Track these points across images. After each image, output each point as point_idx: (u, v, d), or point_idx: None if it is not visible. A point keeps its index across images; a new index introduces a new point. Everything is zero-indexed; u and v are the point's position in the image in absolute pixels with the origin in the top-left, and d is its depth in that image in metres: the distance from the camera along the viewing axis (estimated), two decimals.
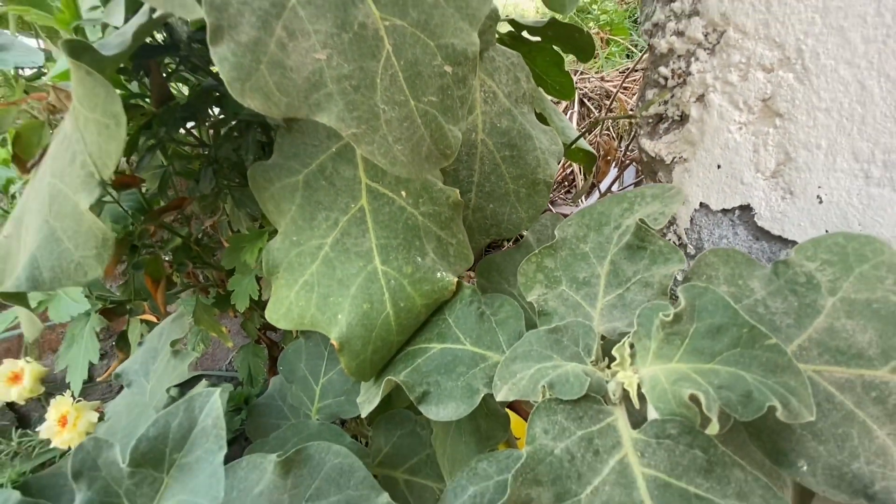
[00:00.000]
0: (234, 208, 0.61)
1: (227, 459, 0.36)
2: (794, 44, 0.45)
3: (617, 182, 1.12)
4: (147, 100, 0.56)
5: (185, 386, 0.64)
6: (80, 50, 0.34)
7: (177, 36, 0.50)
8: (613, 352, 0.34)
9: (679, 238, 0.60)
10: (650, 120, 0.61)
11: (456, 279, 0.48)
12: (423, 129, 0.32)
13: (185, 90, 0.65)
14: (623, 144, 1.17)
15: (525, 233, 0.61)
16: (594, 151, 0.84)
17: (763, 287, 0.37)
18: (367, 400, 0.47)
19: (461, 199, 0.47)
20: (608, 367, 0.35)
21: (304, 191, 0.47)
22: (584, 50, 0.70)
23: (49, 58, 0.59)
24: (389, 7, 0.29)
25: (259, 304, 0.67)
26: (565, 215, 0.50)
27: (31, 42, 0.64)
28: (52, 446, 0.60)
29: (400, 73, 0.30)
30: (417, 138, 0.32)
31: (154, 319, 0.74)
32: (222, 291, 0.74)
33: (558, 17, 0.70)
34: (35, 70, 0.60)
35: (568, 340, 0.36)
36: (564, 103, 1.40)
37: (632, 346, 0.34)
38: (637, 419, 0.32)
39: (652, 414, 0.31)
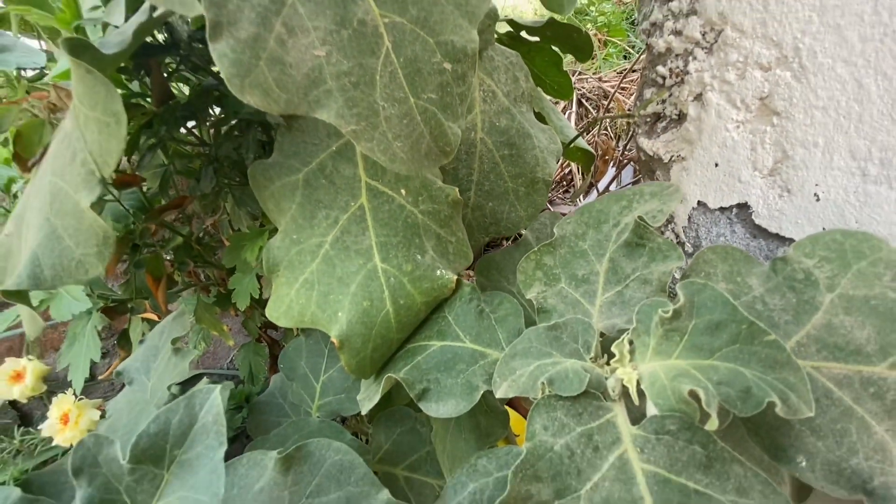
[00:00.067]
0: (235, 207, 0.60)
1: (229, 457, 0.36)
2: (792, 42, 0.45)
3: (615, 181, 1.11)
4: (148, 99, 0.56)
5: (187, 384, 0.64)
6: (80, 48, 0.34)
7: (177, 35, 0.49)
8: (613, 348, 0.34)
9: (677, 236, 0.60)
10: (648, 119, 0.61)
11: (455, 277, 0.48)
12: (422, 126, 0.31)
13: (186, 90, 0.65)
14: (621, 144, 1.16)
15: (524, 231, 0.61)
16: (592, 151, 0.84)
17: (761, 284, 0.37)
18: (368, 397, 0.46)
19: (460, 198, 0.47)
20: (607, 363, 0.35)
21: (304, 189, 0.46)
22: (583, 50, 0.70)
23: (51, 58, 0.59)
24: (389, 4, 0.29)
25: (260, 303, 0.67)
26: (564, 214, 0.49)
27: (33, 43, 0.64)
28: (54, 444, 0.60)
29: (399, 70, 0.30)
30: (417, 135, 0.31)
31: (155, 318, 0.73)
32: (223, 290, 0.73)
33: (557, 17, 0.70)
34: (37, 71, 0.60)
35: (567, 337, 0.36)
36: (563, 103, 1.40)
37: (631, 342, 0.34)
38: (636, 416, 0.32)
39: (651, 410, 0.31)
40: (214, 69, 0.55)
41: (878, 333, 0.32)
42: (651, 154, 0.59)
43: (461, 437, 0.49)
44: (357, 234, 0.46)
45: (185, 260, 0.68)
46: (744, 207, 0.52)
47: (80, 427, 0.58)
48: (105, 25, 0.50)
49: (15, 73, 0.61)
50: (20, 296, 0.42)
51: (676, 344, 0.31)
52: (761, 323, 0.29)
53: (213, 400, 0.33)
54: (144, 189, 0.62)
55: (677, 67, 0.54)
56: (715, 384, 0.28)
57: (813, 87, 0.45)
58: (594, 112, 1.37)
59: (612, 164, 1.08)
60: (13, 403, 1.00)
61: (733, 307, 0.30)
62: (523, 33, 0.69)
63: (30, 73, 0.62)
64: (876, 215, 0.45)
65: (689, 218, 0.58)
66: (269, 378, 0.84)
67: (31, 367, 0.61)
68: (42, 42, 0.66)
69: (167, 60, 0.56)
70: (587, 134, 1.22)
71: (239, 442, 0.91)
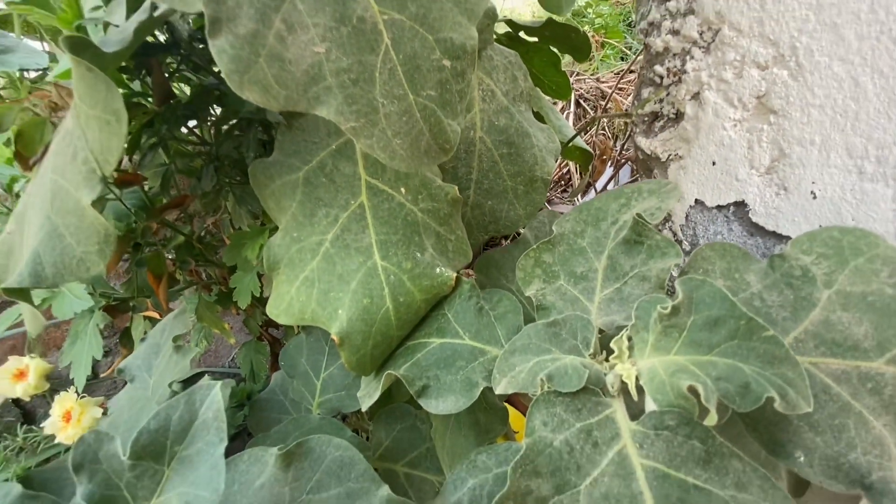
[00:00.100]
0: (236, 206, 0.60)
1: (230, 454, 0.36)
2: (789, 41, 0.45)
3: (613, 181, 1.11)
4: (149, 98, 0.55)
5: (188, 382, 0.64)
6: (81, 46, 0.34)
7: (178, 34, 0.49)
8: (612, 344, 0.34)
9: (674, 234, 0.60)
10: (646, 118, 0.60)
11: (455, 274, 0.47)
12: (421, 124, 0.31)
13: (187, 90, 0.65)
14: (619, 144, 1.16)
15: (522, 230, 0.61)
16: (590, 150, 0.83)
17: (759, 281, 0.37)
18: (368, 394, 0.46)
19: (459, 196, 0.47)
20: (606, 360, 0.35)
21: (304, 188, 0.46)
22: (581, 50, 0.70)
23: (53, 59, 0.59)
24: (388, 1, 0.29)
25: (261, 301, 0.66)
26: (562, 213, 0.49)
27: (36, 45, 0.63)
28: (56, 442, 0.59)
29: (399, 67, 0.29)
30: (416, 132, 0.31)
31: (157, 316, 0.73)
32: (225, 289, 0.73)
33: (555, 18, 0.70)
34: (40, 72, 0.59)
35: (566, 334, 0.36)
36: (561, 103, 1.39)
37: (630, 338, 0.34)
38: (635, 412, 0.32)
39: (650, 406, 0.31)
40: (215, 69, 0.55)
41: (876, 329, 0.32)
42: (649, 153, 0.59)
43: (461, 434, 0.49)
44: (357, 232, 0.46)
45: (187, 259, 0.67)
46: (741, 205, 0.52)
47: (82, 425, 0.58)
48: (106, 25, 0.50)
49: (18, 73, 0.61)
50: (22, 293, 0.42)
51: (675, 340, 0.31)
52: (759, 319, 0.29)
53: (214, 396, 0.33)
54: (146, 188, 0.62)
55: (675, 67, 0.53)
56: (714, 380, 0.28)
57: (810, 86, 0.45)
58: (592, 112, 1.37)
59: (609, 163, 1.07)
60: (16, 401, 1.00)
61: (732, 303, 0.29)
62: (522, 34, 0.69)
63: (33, 75, 0.62)
64: (872, 213, 0.44)
65: (687, 216, 0.57)
66: (270, 376, 0.83)
67: (33, 366, 0.61)
68: (44, 43, 0.66)
69: (168, 60, 0.56)
70: (585, 134, 1.22)
71: (240, 439, 0.90)
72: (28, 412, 1.01)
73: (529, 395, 0.34)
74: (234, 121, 0.57)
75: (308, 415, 0.56)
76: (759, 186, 0.50)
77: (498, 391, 0.35)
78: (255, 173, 0.47)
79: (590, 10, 2.02)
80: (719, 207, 0.54)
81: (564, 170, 1.29)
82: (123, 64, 0.53)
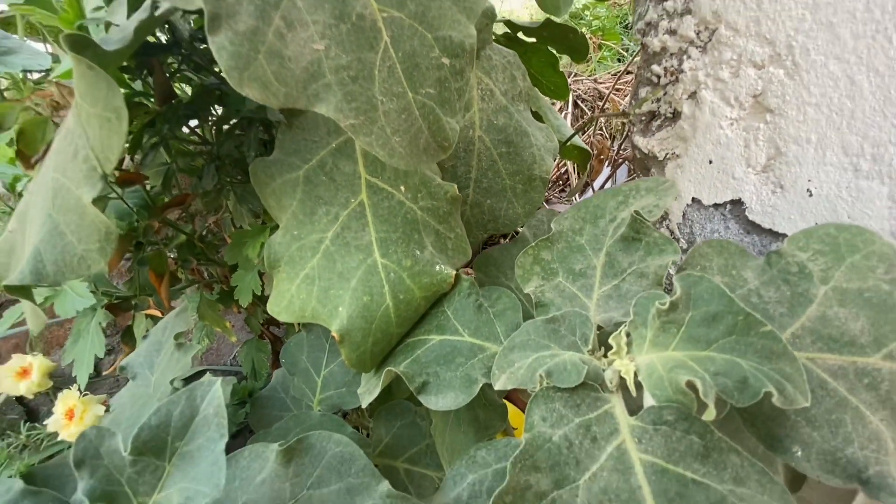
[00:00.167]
0: (237, 205, 0.60)
1: (232, 452, 0.36)
2: (785, 40, 0.44)
3: (610, 180, 1.11)
4: (150, 98, 0.55)
5: (190, 380, 0.64)
6: (81, 45, 0.34)
7: (179, 34, 0.49)
8: (610, 340, 0.34)
9: (672, 233, 0.60)
10: (643, 117, 0.60)
11: (454, 272, 0.47)
12: (420, 121, 0.31)
13: (188, 90, 0.64)
14: (616, 144, 1.16)
15: (521, 228, 0.60)
16: (588, 149, 0.83)
17: (756, 277, 0.36)
18: (368, 391, 0.46)
19: (459, 194, 0.46)
20: (605, 356, 0.35)
21: (304, 186, 0.46)
22: (579, 50, 0.70)
23: (56, 61, 0.58)
24: None
25: (262, 300, 0.66)
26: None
27: (39, 47, 0.63)
28: (59, 439, 0.59)
29: (398, 65, 0.29)
30: (415, 130, 0.31)
31: (159, 314, 0.73)
32: (226, 287, 0.73)
33: (553, 19, 0.70)
34: (42, 73, 0.59)
35: (565, 330, 0.36)
36: (559, 104, 1.39)
37: (628, 334, 0.33)
38: (633, 407, 0.32)
39: (648, 401, 0.30)
40: (216, 68, 0.55)
41: (872, 325, 0.32)
42: (646, 152, 0.59)
43: (460, 430, 0.49)
44: (357, 230, 0.45)
45: (189, 257, 0.67)
46: (737, 204, 0.52)
47: (85, 422, 0.57)
48: (108, 25, 0.50)
49: (21, 75, 0.61)
50: (23, 291, 0.42)
51: (673, 336, 0.31)
52: (757, 315, 0.29)
53: (215, 392, 0.33)
54: (148, 187, 0.62)
55: (672, 66, 0.53)
56: (712, 375, 0.28)
57: (806, 85, 0.44)
58: (590, 113, 1.37)
59: (607, 163, 1.07)
60: (20, 399, 0.99)
61: (730, 299, 0.29)
62: (520, 34, 0.69)
63: (36, 76, 0.62)
64: (868, 210, 0.44)
65: (684, 214, 0.57)
66: (271, 374, 0.83)
67: (37, 364, 0.61)
68: (48, 45, 0.66)
69: (169, 60, 0.55)
70: (583, 134, 1.22)
71: (242, 437, 0.90)
72: (31, 410, 1.01)
73: (528, 391, 0.34)
74: (235, 120, 0.57)
75: (309, 411, 0.56)
76: (756, 184, 0.50)
77: (497, 387, 0.35)
78: (255, 172, 0.47)
79: (587, 12, 2.02)
80: (716, 205, 0.54)
81: (562, 170, 1.28)
82: (125, 64, 0.53)
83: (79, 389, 0.59)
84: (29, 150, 0.44)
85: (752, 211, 0.51)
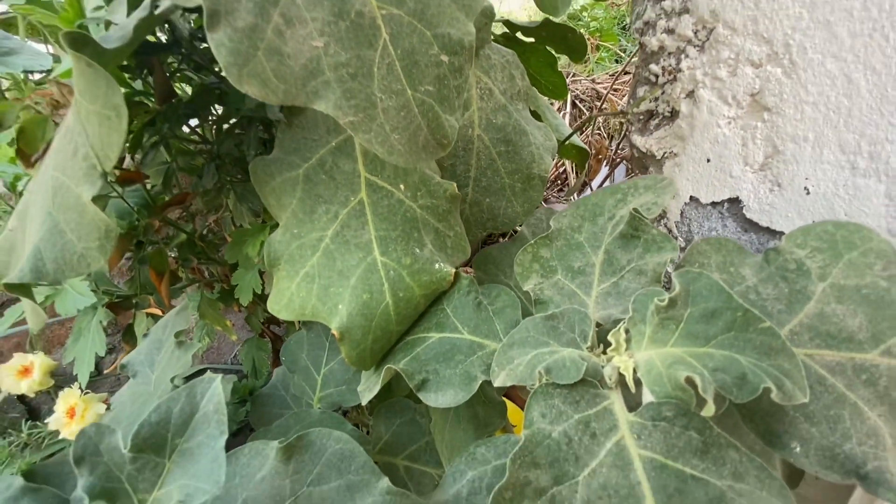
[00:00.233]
0: (237, 203, 0.60)
1: (233, 450, 0.35)
2: (782, 39, 0.44)
3: (608, 180, 1.11)
4: (151, 97, 0.55)
5: (191, 379, 0.63)
6: (81, 42, 0.33)
7: (179, 33, 0.49)
8: (609, 337, 0.33)
9: (670, 231, 0.60)
10: (641, 116, 0.60)
11: (454, 270, 0.47)
12: (419, 119, 0.31)
13: (188, 90, 0.64)
14: (614, 143, 1.16)
15: (520, 227, 0.60)
16: (587, 148, 0.83)
17: (754, 274, 0.36)
18: (368, 388, 0.46)
19: (458, 193, 0.46)
20: (604, 352, 0.35)
21: (304, 184, 0.46)
22: (577, 50, 0.70)
23: (57, 61, 0.58)
24: None
25: (262, 299, 0.66)
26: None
27: (41, 48, 0.63)
28: (60, 437, 0.59)
29: (397, 62, 0.29)
30: (414, 127, 0.31)
31: (160, 313, 0.72)
32: (226, 286, 0.73)
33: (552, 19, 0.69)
34: (43, 74, 0.59)
35: (564, 327, 0.36)
36: (557, 104, 1.39)
37: (627, 331, 0.33)
38: (632, 404, 0.32)
39: (647, 397, 0.30)
40: (216, 68, 0.54)
41: (870, 321, 0.32)
42: (644, 151, 0.59)
43: (460, 428, 0.49)
44: (357, 229, 0.45)
45: (189, 256, 0.67)
46: (735, 202, 0.52)
47: (86, 420, 0.57)
48: (108, 24, 0.49)
49: (22, 75, 0.60)
50: (23, 289, 0.41)
51: (672, 332, 0.30)
52: (756, 311, 0.29)
53: (215, 389, 0.33)
54: (148, 186, 0.61)
55: (670, 65, 0.53)
56: (711, 371, 0.28)
57: (803, 83, 0.44)
58: (588, 113, 1.36)
59: (605, 163, 1.07)
60: (21, 398, 0.99)
61: (728, 295, 0.29)
62: (519, 34, 0.69)
63: (37, 77, 0.61)
64: (865, 208, 0.44)
65: (682, 213, 0.57)
66: (272, 372, 0.83)
67: (38, 362, 0.60)
68: (49, 46, 0.65)
69: (169, 60, 0.55)
70: (581, 133, 1.22)
71: (243, 435, 0.90)
72: (33, 408, 1.00)
73: (527, 388, 0.34)
74: (235, 119, 0.56)
75: (309, 409, 0.56)
76: (753, 183, 0.50)
77: (496, 383, 0.35)
78: (255, 171, 0.46)
79: (585, 13, 2.02)
80: (714, 204, 0.54)
81: (561, 169, 1.28)
82: (125, 63, 0.52)
83: (80, 388, 0.59)
84: (29, 149, 0.43)
85: (749, 209, 0.51)
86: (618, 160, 1.08)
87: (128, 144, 0.55)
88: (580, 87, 1.42)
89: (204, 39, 0.51)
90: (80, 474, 0.31)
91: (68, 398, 0.58)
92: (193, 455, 0.31)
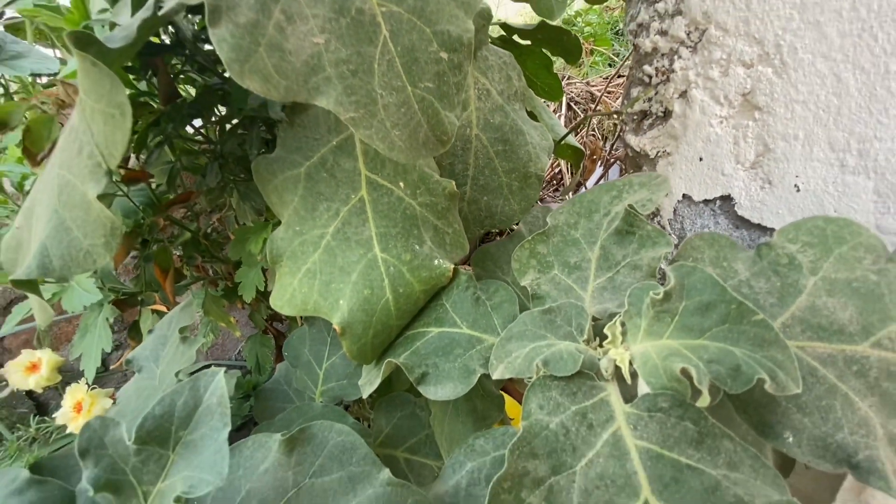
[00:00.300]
0: (240, 202, 0.59)
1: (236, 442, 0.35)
2: (773, 39, 0.44)
3: (602, 180, 1.10)
4: (155, 98, 0.54)
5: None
6: (85, 42, 0.33)
7: (182, 34, 0.48)
8: (605, 330, 0.33)
9: (663, 228, 0.59)
10: (635, 116, 0.60)
11: (452, 266, 0.47)
12: (419, 115, 0.30)
13: (192, 91, 0.64)
14: (608, 144, 1.16)
15: (517, 224, 0.60)
16: (582, 148, 0.83)
17: (747, 269, 0.36)
18: (369, 382, 0.45)
19: (457, 190, 0.46)
20: (600, 345, 0.34)
21: (306, 182, 0.45)
22: (572, 52, 0.69)
23: (64, 64, 0.58)
24: None
25: (265, 296, 0.65)
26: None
27: (48, 52, 0.62)
28: (68, 432, 0.58)
29: (397, 59, 0.29)
30: (415, 124, 0.30)
31: (164, 310, 0.72)
32: (230, 284, 0.72)
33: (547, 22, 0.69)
34: (51, 77, 0.58)
35: (561, 320, 0.35)
36: (553, 105, 1.39)
37: (623, 324, 0.33)
38: (628, 396, 0.31)
39: (643, 389, 0.30)
40: (220, 68, 0.54)
41: (860, 314, 0.32)
42: (638, 150, 0.58)
43: (459, 421, 0.48)
44: (357, 226, 0.45)
45: (193, 254, 0.66)
46: (727, 199, 0.52)
47: (92, 415, 0.57)
48: (113, 25, 0.49)
49: (30, 78, 0.60)
50: (30, 285, 0.41)
51: (667, 325, 0.30)
52: (749, 303, 0.28)
53: (218, 382, 0.32)
54: (153, 185, 0.61)
55: (663, 66, 0.53)
56: (706, 362, 0.27)
57: (793, 83, 0.44)
58: (582, 115, 1.36)
59: (599, 163, 1.07)
60: (29, 393, 0.98)
61: (722, 288, 0.29)
62: (515, 37, 0.68)
63: (44, 80, 0.61)
64: (854, 204, 0.44)
65: (675, 210, 0.57)
66: (275, 368, 0.82)
67: (46, 358, 0.60)
68: (56, 50, 0.65)
69: (173, 62, 0.55)
70: (576, 134, 1.21)
71: (246, 429, 0.90)
72: (41, 404, 1.00)
73: (525, 380, 0.33)
74: (238, 119, 0.56)
75: (311, 403, 0.55)
76: (745, 181, 0.50)
77: (495, 376, 0.34)
78: (258, 169, 0.46)
79: (579, 18, 2.02)
80: (706, 201, 0.53)
81: (556, 169, 1.28)
82: (130, 64, 0.52)
83: (87, 383, 0.59)
84: (35, 148, 0.43)
85: (741, 206, 0.50)
86: (612, 160, 1.07)
87: (133, 144, 0.54)
88: (575, 90, 1.42)
89: (207, 41, 0.51)
90: (85, 466, 0.31)
91: (75, 393, 0.58)
92: (197, 447, 0.30)
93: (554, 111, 1.37)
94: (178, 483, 0.30)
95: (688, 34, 0.49)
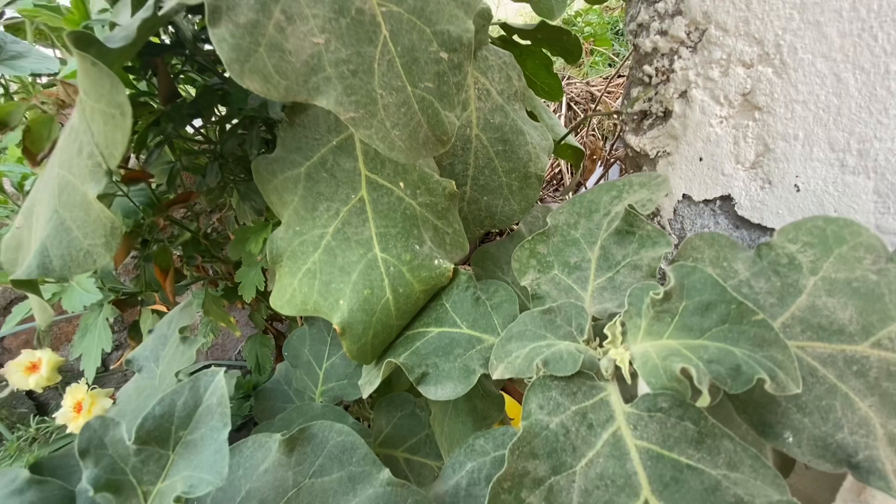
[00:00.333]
0: (240, 202, 0.59)
1: (236, 442, 0.35)
2: (773, 39, 0.44)
3: (602, 180, 1.10)
4: (155, 98, 0.54)
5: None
6: (85, 42, 0.33)
7: (182, 34, 0.48)
8: (605, 330, 0.33)
9: (663, 228, 0.59)
10: (635, 116, 0.60)
11: (452, 266, 0.47)
12: (419, 115, 0.30)
13: (192, 91, 0.64)
14: (608, 144, 1.16)
15: (517, 224, 0.60)
16: (582, 148, 0.83)
17: (747, 268, 0.36)
18: (369, 382, 0.45)
19: (456, 190, 0.46)
20: (600, 345, 0.34)
21: (306, 182, 0.45)
22: (572, 52, 0.69)
23: (63, 64, 0.58)
24: None
25: (265, 296, 0.65)
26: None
27: (48, 52, 0.62)
28: (68, 432, 0.58)
29: (397, 59, 0.29)
30: (415, 124, 0.30)
31: (165, 310, 0.72)
32: (230, 283, 0.72)
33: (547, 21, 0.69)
34: (51, 77, 0.58)
35: (561, 320, 0.35)
36: (553, 105, 1.39)
37: (623, 324, 0.33)
38: (628, 396, 0.31)
39: (643, 389, 0.30)
40: (220, 69, 0.54)
41: (860, 314, 0.32)
42: (638, 150, 0.58)
43: (459, 421, 0.48)
44: (357, 226, 0.45)
45: (193, 254, 0.66)
46: (727, 199, 0.52)
47: (92, 415, 0.57)
48: (112, 25, 0.49)
49: (30, 78, 0.60)
50: (30, 285, 0.41)
51: (667, 325, 0.30)
52: (749, 303, 0.28)
53: (218, 382, 0.32)
54: (153, 185, 0.61)
55: (663, 66, 0.53)
56: (706, 362, 0.27)
57: (793, 83, 0.44)
58: (583, 115, 1.36)
59: (599, 163, 1.07)
60: (29, 393, 0.98)
61: (722, 288, 0.29)
62: (515, 38, 0.68)
63: (44, 80, 0.61)
64: (854, 204, 0.44)
65: (675, 210, 0.57)
66: (275, 368, 0.82)
67: (46, 358, 0.60)
68: (56, 50, 0.65)
69: (173, 62, 0.55)
70: (576, 134, 1.21)
71: (247, 430, 0.89)
72: (41, 404, 1.00)
73: (525, 380, 0.33)
74: (238, 119, 0.56)
75: (311, 403, 0.55)
76: (745, 181, 0.50)
77: (495, 376, 0.34)
78: (258, 169, 0.46)
79: (579, 18, 2.02)
80: (706, 201, 0.53)
81: (556, 169, 1.28)
82: (130, 64, 0.52)
83: (87, 383, 0.59)
84: (35, 148, 0.43)
85: (741, 206, 0.50)
86: (612, 160, 1.07)
87: (133, 144, 0.54)
88: (575, 90, 1.42)
89: (207, 41, 0.51)
90: (85, 466, 0.31)
91: (75, 393, 0.58)
92: (197, 447, 0.30)
93: (554, 111, 1.37)
94: (178, 483, 0.30)
95: (688, 34, 0.49)
